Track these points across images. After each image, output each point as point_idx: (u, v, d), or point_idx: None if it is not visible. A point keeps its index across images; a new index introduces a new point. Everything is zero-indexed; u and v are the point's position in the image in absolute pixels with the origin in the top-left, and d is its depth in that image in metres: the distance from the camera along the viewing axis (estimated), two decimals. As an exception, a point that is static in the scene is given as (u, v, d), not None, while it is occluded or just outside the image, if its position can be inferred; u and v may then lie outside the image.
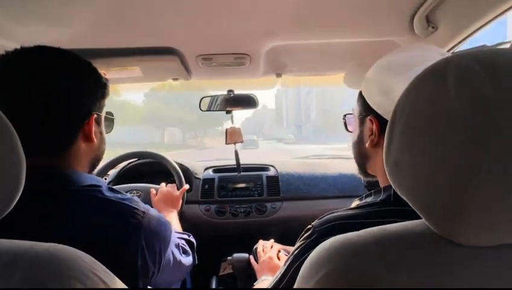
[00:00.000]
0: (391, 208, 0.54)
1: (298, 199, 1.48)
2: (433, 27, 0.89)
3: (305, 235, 0.57)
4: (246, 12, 0.82)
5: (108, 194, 0.57)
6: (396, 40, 1.00)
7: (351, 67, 0.74)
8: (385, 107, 0.56)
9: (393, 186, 0.37)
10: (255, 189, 1.50)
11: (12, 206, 0.37)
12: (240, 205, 1.46)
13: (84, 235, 0.52)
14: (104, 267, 0.38)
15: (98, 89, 0.62)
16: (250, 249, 1.17)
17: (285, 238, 1.17)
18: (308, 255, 0.52)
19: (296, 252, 0.57)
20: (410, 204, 0.35)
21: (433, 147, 0.31)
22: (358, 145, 0.66)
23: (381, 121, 0.58)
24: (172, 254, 0.67)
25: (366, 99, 0.61)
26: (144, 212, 0.59)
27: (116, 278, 0.39)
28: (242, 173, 1.55)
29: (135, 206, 0.58)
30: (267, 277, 0.93)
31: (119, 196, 0.59)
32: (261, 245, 1.11)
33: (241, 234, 1.50)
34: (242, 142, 1.49)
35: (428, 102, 0.32)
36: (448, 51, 0.96)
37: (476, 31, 0.86)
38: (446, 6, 0.82)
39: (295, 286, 0.39)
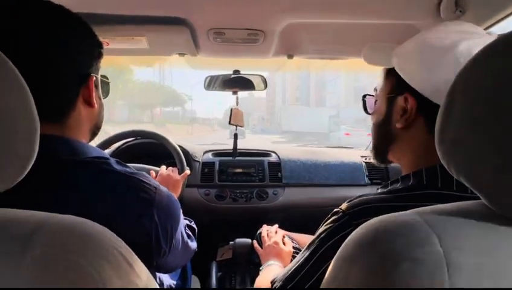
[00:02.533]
0: (425, 191, 0.50)
1: (300, 185, 1.42)
2: (460, 11, 0.82)
3: (332, 219, 0.54)
4: None
5: (117, 167, 0.52)
6: (418, 24, 0.93)
7: (373, 42, 0.66)
8: (427, 83, 0.51)
9: (447, 167, 0.34)
10: (256, 174, 1.43)
11: (26, 172, 0.34)
12: (241, 190, 1.39)
13: (96, 210, 0.48)
14: (126, 245, 0.35)
15: (95, 48, 0.55)
16: (250, 235, 1.12)
17: (286, 225, 1.12)
18: (338, 238, 0.50)
19: (322, 235, 0.53)
20: (468, 185, 0.32)
21: (500, 125, 0.28)
22: (384, 127, 0.60)
23: (419, 100, 0.52)
24: (182, 234, 0.63)
25: (402, 75, 0.54)
26: (155, 187, 0.54)
27: (137, 258, 0.36)
28: (243, 158, 1.49)
29: (147, 181, 0.53)
30: (273, 261, 0.88)
31: (128, 170, 0.53)
32: (265, 230, 1.06)
33: (241, 219, 1.44)
34: (242, 126, 1.43)
35: (497, 75, 0.29)
36: None
37: (504, 18, 0.79)
38: None
39: (331, 268, 0.35)
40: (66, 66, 0.51)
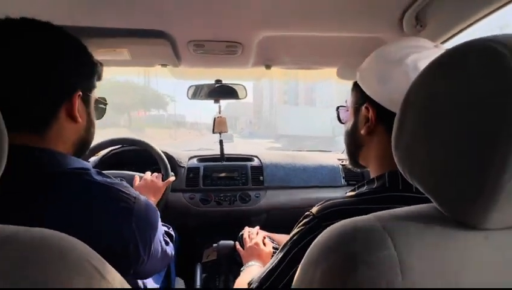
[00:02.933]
0: (388, 194, 0.53)
1: (280, 188, 1.45)
2: (421, 25, 0.88)
3: (303, 221, 0.55)
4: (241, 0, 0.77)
5: (97, 178, 0.52)
6: (383, 37, 0.98)
7: (345, 61, 0.71)
8: (382, 94, 0.55)
9: (402, 172, 0.35)
10: (240, 178, 1.46)
11: None
12: (224, 194, 1.41)
13: (74, 221, 0.48)
14: (98, 255, 0.34)
15: (86, 66, 0.56)
16: (234, 236, 1.13)
17: (268, 226, 1.15)
18: (308, 240, 0.51)
19: (294, 237, 0.55)
20: (420, 188, 0.33)
21: (449, 132, 0.29)
22: (353, 134, 0.64)
23: (378, 109, 0.56)
24: (160, 242, 0.64)
25: (363, 88, 0.59)
26: (135, 197, 0.55)
27: (110, 267, 0.35)
28: (227, 163, 1.51)
29: (126, 191, 0.54)
30: (254, 262, 0.90)
31: (108, 180, 0.54)
32: (247, 232, 1.08)
33: (225, 221, 1.45)
34: (226, 131, 1.48)
35: (445, 87, 0.30)
36: None
37: (462, 30, 0.85)
38: (436, 5, 0.80)
39: (299, 271, 0.36)
40: (48, 80, 0.50)
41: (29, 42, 0.49)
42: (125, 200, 0.53)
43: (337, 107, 0.73)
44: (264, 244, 0.99)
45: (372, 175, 0.59)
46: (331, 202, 0.54)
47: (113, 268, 0.36)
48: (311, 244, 0.36)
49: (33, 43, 0.49)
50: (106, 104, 0.68)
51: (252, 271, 0.84)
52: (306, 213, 0.56)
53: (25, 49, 0.49)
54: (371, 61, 0.59)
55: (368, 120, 0.58)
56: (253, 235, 1.04)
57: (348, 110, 0.67)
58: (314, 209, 0.54)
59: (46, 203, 0.47)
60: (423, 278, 0.29)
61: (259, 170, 1.48)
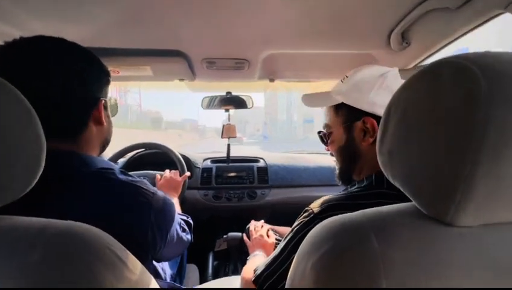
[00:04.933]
0: (373, 191, 0.55)
1: (284, 186, 1.49)
2: (407, 43, 0.90)
3: (303, 215, 0.57)
4: (247, 23, 0.81)
5: (121, 176, 0.55)
6: (373, 53, 1.01)
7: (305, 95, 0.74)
8: (371, 104, 0.58)
9: (385, 174, 0.36)
10: (247, 178, 1.50)
11: (32, 185, 0.34)
12: (234, 191, 1.46)
13: (100, 214, 0.50)
14: (119, 244, 0.36)
15: (104, 77, 0.59)
16: (242, 229, 1.17)
17: (272, 220, 1.18)
18: (306, 231, 0.51)
19: (295, 228, 0.57)
20: (401, 189, 0.34)
21: (425, 138, 0.30)
22: (347, 150, 0.64)
23: (376, 119, 0.59)
24: (176, 231, 0.67)
25: (355, 106, 0.61)
26: (153, 193, 0.57)
27: (130, 254, 0.37)
28: (235, 164, 1.55)
29: (145, 188, 0.57)
30: (258, 252, 0.93)
31: (130, 178, 0.56)
32: (253, 225, 1.11)
33: (234, 216, 1.50)
34: (235, 137, 1.53)
35: (423, 98, 0.31)
36: (418, 63, 0.99)
37: (444, 46, 0.88)
38: (419, 25, 0.82)
39: (294, 262, 0.37)
40: (80, 93, 0.54)
41: (63, 63, 0.51)
42: (144, 196, 0.55)
43: (318, 132, 0.73)
44: (268, 236, 1.02)
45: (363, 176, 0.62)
46: (326, 198, 0.56)
47: (134, 257, 0.37)
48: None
49: (67, 64, 0.52)
50: (117, 102, 0.72)
51: (257, 260, 0.87)
52: (306, 208, 0.57)
53: (61, 69, 0.51)
54: (350, 84, 0.62)
55: (366, 132, 0.60)
56: (258, 227, 1.07)
57: (331, 132, 0.67)
58: (312, 205, 0.57)
59: (74, 200, 0.49)
60: (402, 269, 0.29)
61: (264, 170, 1.52)
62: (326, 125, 0.70)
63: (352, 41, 0.94)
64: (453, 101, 0.28)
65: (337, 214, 0.36)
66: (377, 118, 0.58)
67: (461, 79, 0.28)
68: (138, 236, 0.53)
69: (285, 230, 1.08)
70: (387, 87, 0.60)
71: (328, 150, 0.71)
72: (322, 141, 0.72)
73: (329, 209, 0.52)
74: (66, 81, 0.51)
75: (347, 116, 0.64)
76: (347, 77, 0.65)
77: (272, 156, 1.62)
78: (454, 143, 0.27)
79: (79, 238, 0.32)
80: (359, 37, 0.92)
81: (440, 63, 0.30)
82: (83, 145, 0.56)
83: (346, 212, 0.35)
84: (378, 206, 0.49)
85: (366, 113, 0.60)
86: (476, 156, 0.26)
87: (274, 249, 0.89)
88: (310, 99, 0.73)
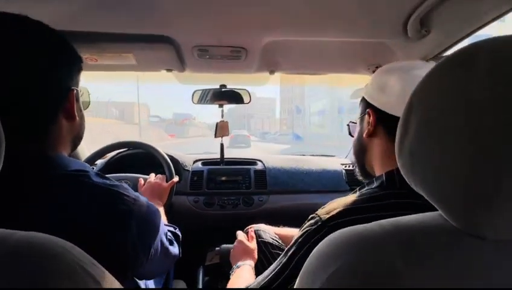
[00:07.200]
0: (386, 192, 0.53)
1: (284, 192, 1.39)
2: (426, 30, 0.84)
3: (309, 223, 0.54)
4: (245, 5, 0.74)
5: (96, 179, 0.49)
6: (388, 42, 0.93)
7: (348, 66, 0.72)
8: (381, 100, 0.58)
9: (406, 178, 0.33)
10: (243, 182, 1.40)
11: None
12: (228, 197, 1.36)
13: (71, 224, 0.45)
14: (92, 259, 0.33)
15: (76, 63, 0.53)
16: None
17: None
18: (314, 241, 0.51)
19: (300, 239, 0.53)
20: (425, 196, 0.31)
21: (454, 136, 0.27)
22: (358, 140, 0.66)
23: (378, 113, 0.59)
24: (161, 242, 0.60)
25: (365, 97, 0.63)
26: (134, 199, 0.52)
27: (106, 272, 0.33)
28: (230, 167, 1.46)
29: (125, 193, 0.51)
30: (242, 262, 0.84)
31: (107, 182, 0.50)
32: (241, 235, 1.00)
33: (228, 225, 1.39)
34: (228, 135, 1.44)
35: (451, 90, 0.28)
36: (437, 54, 0.90)
37: (469, 34, 0.80)
38: (441, 9, 0.76)
39: (298, 282, 0.33)
40: (47, 81, 0.48)
41: (24, 42, 0.45)
42: (124, 202, 0.50)
43: (348, 124, 0.76)
44: (250, 237, 0.93)
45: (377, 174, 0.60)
46: (335, 202, 0.54)
47: (109, 274, 0.34)
48: (317, 244, 0.35)
49: (25, 47, 0.46)
50: (89, 93, 0.66)
51: (243, 273, 0.79)
52: (311, 215, 0.54)
53: (21, 51, 0.45)
54: (373, 76, 0.64)
55: (369, 124, 0.61)
56: (240, 236, 0.97)
57: (356, 123, 0.70)
58: (318, 211, 0.54)
59: (42, 206, 0.44)
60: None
61: (262, 174, 1.43)
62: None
63: (363, 27, 0.87)
64: (490, 94, 0.25)
65: (348, 221, 0.35)
66: (380, 113, 0.58)
67: (501, 65, 0.25)
68: (116, 250, 0.48)
69: (290, 233, 0.99)
70: (400, 78, 0.59)
71: None
72: (349, 132, 0.75)
73: (339, 215, 0.50)
74: (30, 66, 0.45)
75: (363, 108, 0.65)
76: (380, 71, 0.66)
77: (271, 158, 1.53)
78: (492, 144, 0.25)
79: (43, 253, 0.29)
80: (372, 24, 0.85)
81: (474, 48, 0.27)
82: (52, 144, 0.50)
83: (359, 217, 0.34)
84: (391, 207, 0.49)
85: (372, 106, 0.61)
86: None
87: (270, 260, 0.80)
88: (356, 93, 0.78)
